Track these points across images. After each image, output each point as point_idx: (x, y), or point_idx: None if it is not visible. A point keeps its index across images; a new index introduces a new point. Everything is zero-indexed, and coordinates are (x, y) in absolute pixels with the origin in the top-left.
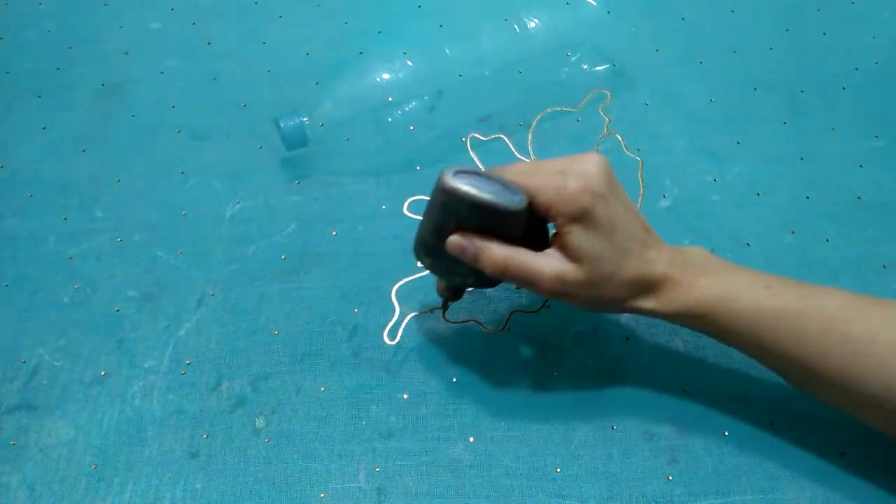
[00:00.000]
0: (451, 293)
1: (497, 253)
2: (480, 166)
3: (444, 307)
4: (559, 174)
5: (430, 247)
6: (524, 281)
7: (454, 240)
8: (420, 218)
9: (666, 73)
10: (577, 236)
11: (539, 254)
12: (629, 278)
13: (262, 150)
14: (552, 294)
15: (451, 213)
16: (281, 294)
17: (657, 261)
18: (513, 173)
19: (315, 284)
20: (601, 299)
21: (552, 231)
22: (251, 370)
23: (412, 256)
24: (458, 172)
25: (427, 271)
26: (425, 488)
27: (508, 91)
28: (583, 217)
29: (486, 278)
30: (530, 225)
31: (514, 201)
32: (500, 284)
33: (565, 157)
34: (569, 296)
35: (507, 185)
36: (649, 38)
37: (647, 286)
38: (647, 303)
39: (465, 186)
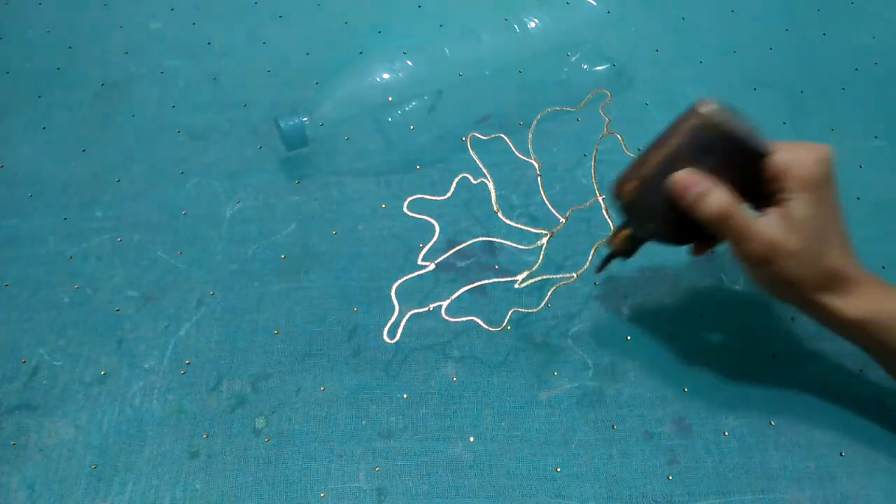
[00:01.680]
0: (630, 246)
1: (722, 199)
2: (481, 166)
3: (607, 261)
4: (795, 146)
5: (647, 179)
6: (735, 236)
7: (683, 175)
8: (420, 217)
9: (666, 73)
10: (806, 204)
11: (757, 215)
12: (830, 267)
13: (262, 150)
14: (756, 257)
15: (695, 145)
16: (281, 294)
17: (854, 262)
18: None
19: (315, 284)
20: (796, 278)
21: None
22: (251, 370)
23: (413, 256)
24: (718, 103)
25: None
26: (425, 488)
27: (508, 91)
28: (818, 187)
29: (684, 231)
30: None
31: (764, 144)
32: (499, 283)
33: (788, 142)
34: (772, 264)
35: (753, 128)
36: (649, 38)
37: (842, 284)
38: (835, 300)
39: (725, 116)
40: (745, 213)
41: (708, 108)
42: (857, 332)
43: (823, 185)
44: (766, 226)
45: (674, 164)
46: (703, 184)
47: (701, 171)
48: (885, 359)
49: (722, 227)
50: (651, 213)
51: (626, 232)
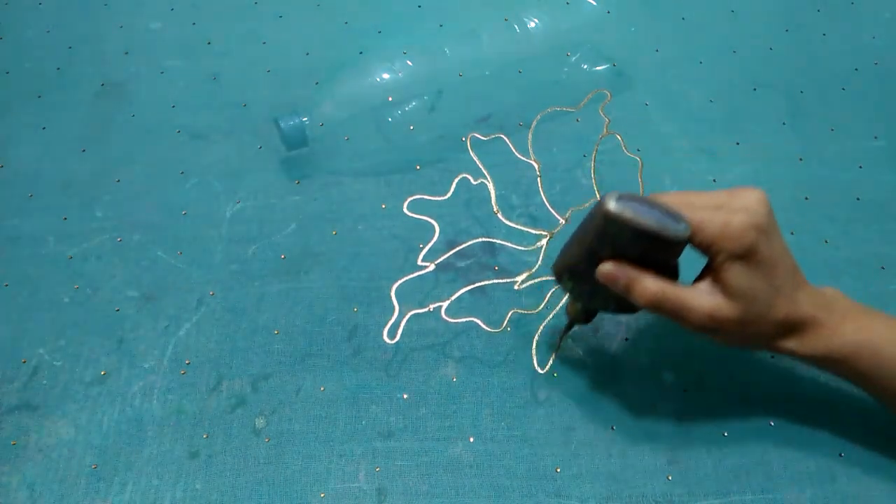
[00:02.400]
0: (584, 317)
1: (651, 286)
2: (480, 167)
3: (567, 329)
4: (720, 209)
5: (576, 271)
6: (674, 315)
7: (607, 268)
8: (420, 217)
9: (666, 73)
10: (738, 274)
11: (691, 288)
12: (779, 318)
13: (262, 150)
14: (700, 329)
15: (609, 240)
16: (281, 294)
17: (804, 302)
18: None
19: (315, 284)
20: (748, 337)
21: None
22: (251, 370)
23: (413, 256)
24: (620, 197)
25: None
26: (425, 488)
27: (508, 91)
28: (746, 255)
29: (628, 305)
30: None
31: (678, 230)
32: (500, 284)
33: (721, 191)
34: (718, 332)
35: (668, 212)
36: (649, 38)
37: (793, 327)
38: (790, 343)
39: (629, 213)
40: (678, 292)
41: (611, 206)
42: (824, 365)
43: (754, 250)
44: (701, 300)
45: (594, 257)
46: (626, 275)
47: (623, 262)
48: (863, 385)
49: (658, 311)
50: (591, 295)
51: (577, 306)
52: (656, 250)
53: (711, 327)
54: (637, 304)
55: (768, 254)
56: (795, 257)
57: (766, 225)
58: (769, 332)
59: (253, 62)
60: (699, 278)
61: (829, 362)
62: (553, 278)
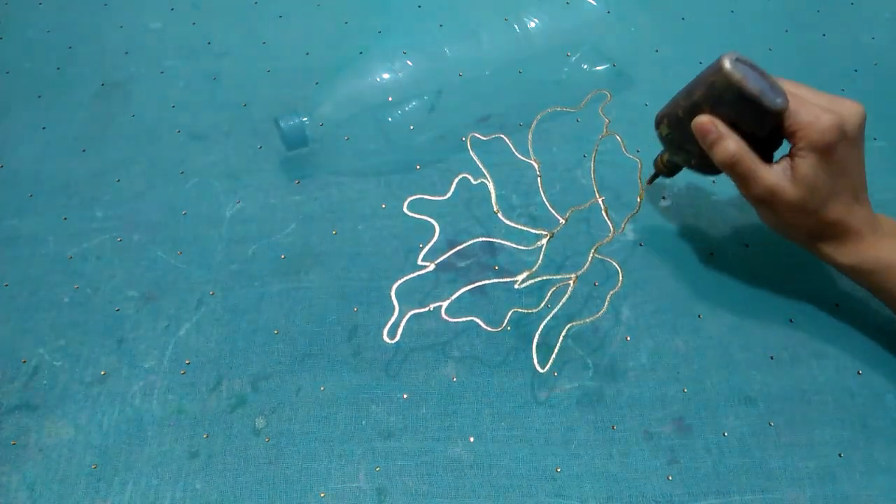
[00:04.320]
0: (669, 169)
1: (732, 146)
2: (480, 166)
3: (653, 179)
4: (820, 106)
5: (676, 118)
6: (741, 180)
7: (703, 119)
8: (420, 217)
9: (666, 73)
10: (810, 164)
11: (764, 163)
12: (829, 219)
13: (262, 150)
14: (757, 200)
15: (714, 96)
16: (281, 294)
17: (857, 215)
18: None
19: (315, 284)
20: (794, 227)
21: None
22: (251, 370)
23: (413, 256)
24: (737, 60)
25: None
26: (425, 488)
27: (508, 91)
28: (823, 151)
29: (709, 165)
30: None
31: (776, 103)
32: (499, 284)
33: (831, 95)
34: (771, 208)
35: (773, 86)
36: (649, 38)
37: (839, 233)
38: (830, 248)
39: (738, 74)
40: (752, 160)
41: (727, 65)
42: (852, 275)
43: (832, 148)
44: (769, 174)
45: (696, 108)
46: (715, 131)
47: (719, 118)
48: (883, 298)
49: (731, 171)
50: (680, 146)
51: (665, 156)
52: (751, 117)
53: (768, 200)
54: (716, 159)
55: (843, 158)
56: (795, 257)
57: (852, 133)
58: (816, 229)
59: (253, 62)
60: (777, 161)
61: (858, 272)
62: (554, 277)
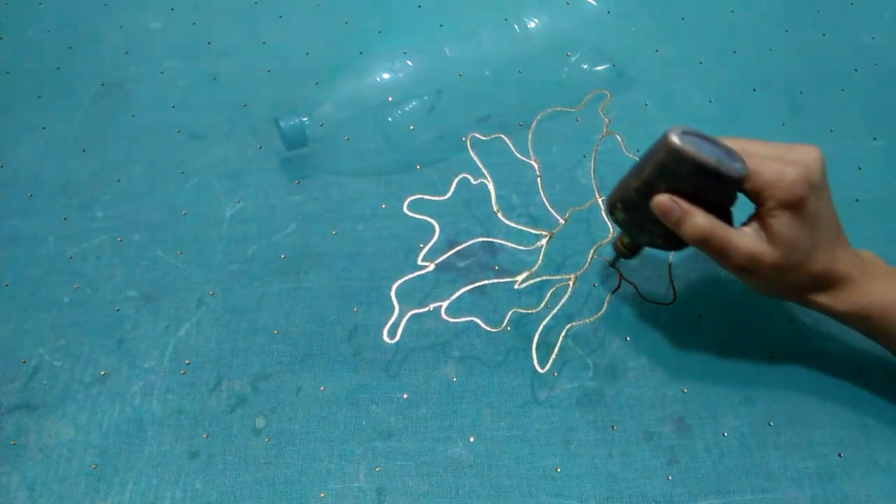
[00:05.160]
0: (630, 251)
1: (701, 221)
2: (480, 166)
3: (615, 262)
4: (777, 160)
5: (630, 201)
6: (718, 252)
7: (662, 199)
8: (420, 217)
9: (666, 73)
10: (784, 223)
11: (737, 230)
12: (816, 271)
13: (262, 150)
14: (739, 270)
15: (667, 173)
16: (281, 294)
17: (842, 259)
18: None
19: (315, 284)
20: (782, 286)
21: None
22: (251, 370)
23: (413, 256)
24: (685, 132)
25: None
26: (425, 488)
27: (508, 91)
28: (795, 206)
29: (675, 241)
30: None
31: (735, 168)
32: (499, 284)
33: (780, 143)
34: (755, 275)
35: (728, 152)
36: (649, 38)
37: (828, 282)
38: (823, 298)
39: (690, 147)
40: (724, 231)
41: (676, 140)
42: (851, 322)
43: (803, 202)
44: (745, 241)
45: (650, 189)
46: (677, 209)
47: (679, 195)
48: (884, 342)
49: (705, 246)
50: (640, 228)
51: (624, 239)
52: (711, 187)
53: (751, 268)
54: (686, 237)
55: (816, 208)
56: None
57: (818, 181)
58: (804, 283)
59: (253, 62)
60: (746, 223)
61: (857, 319)
62: (554, 277)
